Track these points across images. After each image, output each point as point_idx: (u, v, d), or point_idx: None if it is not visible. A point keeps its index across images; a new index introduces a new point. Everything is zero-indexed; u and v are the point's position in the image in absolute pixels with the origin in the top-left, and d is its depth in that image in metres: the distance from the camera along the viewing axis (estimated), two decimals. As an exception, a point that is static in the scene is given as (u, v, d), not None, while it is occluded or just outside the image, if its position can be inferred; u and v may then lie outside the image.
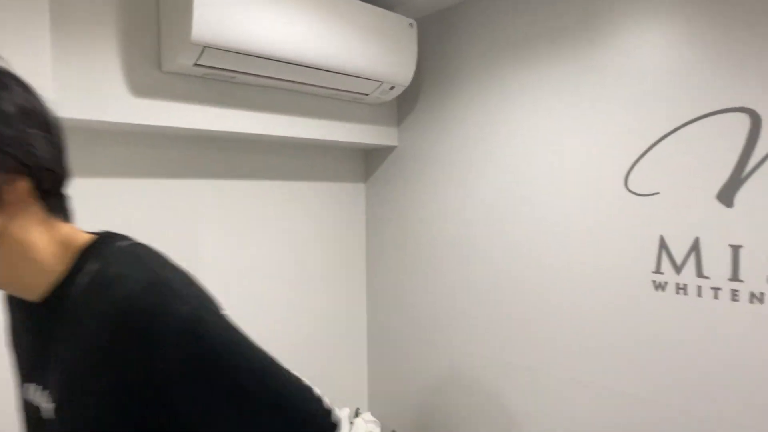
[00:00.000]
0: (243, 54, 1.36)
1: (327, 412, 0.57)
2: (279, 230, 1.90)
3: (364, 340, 2.17)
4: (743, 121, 1.19)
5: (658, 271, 1.34)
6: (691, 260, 1.28)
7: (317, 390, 0.59)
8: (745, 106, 1.18)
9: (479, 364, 1.76)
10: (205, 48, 1.31)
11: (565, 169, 1.52)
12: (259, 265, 1.84)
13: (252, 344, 0.55)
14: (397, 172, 2.03)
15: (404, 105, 2.00)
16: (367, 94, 1.76)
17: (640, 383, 1.37)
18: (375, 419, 1.81)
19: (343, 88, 1.67)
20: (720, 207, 1.23)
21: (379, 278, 2.12)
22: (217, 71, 1.43)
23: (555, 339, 1.55)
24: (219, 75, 1.47)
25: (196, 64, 1.38)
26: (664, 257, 1.32)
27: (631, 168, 1.38)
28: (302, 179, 1.97)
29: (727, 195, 1.22)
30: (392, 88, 1.75)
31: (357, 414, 1.84)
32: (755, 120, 1.17)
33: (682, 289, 1.30)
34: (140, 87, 1.37)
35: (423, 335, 1.94)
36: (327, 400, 0.59)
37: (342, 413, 1.81)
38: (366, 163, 2.15)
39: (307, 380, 0.59)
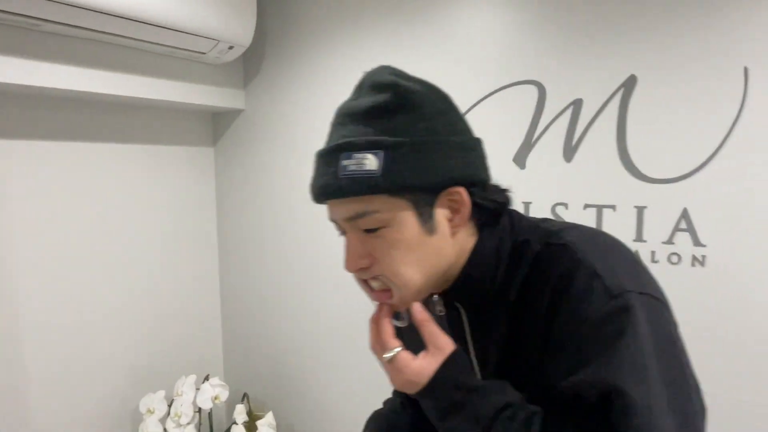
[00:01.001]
0: (40, -2, 1.23)
1: None
2: (119, 197, 1.77)
3: (218, 306, 2.15)
4: (533, 93, 1.35)
5: (469, 226, 1.49)
6: (494, 216, 1.44)
7: None
8: (533, 78, 1.34)
9: (331, 326, 1.84)
10: (-10, -12, 1.16)
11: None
12: (96, 236, 1.72)
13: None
14: (246, 136, 1.99)
15: (251, 67, 1.95)
16: (204, 53, 1.68)
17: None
18: (223, 383, 1.82)
19: (174, 45, 1.58)
20: (516, 168, 1.40)
21: (231, 244, 2.09)
22: (13, 16, 1.27)
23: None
24: (17, 21, 1.31)
25: (-18, 6, 1.21)
26: (474, 214, 1.48)
27: (449, 133, 1.50)
28: (144, 142, 1.86)
29: (521, 158, 1.39)
30: (231, 47, 1.70)
31: (207, 379, 1.83)
32: (542, 91, 1.34)
33: (487, 242, 1.46)
34: None
35: (277, 299, 1.97)
36: None
37: (188, 380, 1.79)
38: (214, 126, 2.08)
39: None
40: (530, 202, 1.38)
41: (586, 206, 1.30)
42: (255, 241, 2.01)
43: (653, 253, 1.22)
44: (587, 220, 1.30)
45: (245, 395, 1.96)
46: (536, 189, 1.37)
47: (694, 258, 1.18)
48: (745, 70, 1.10)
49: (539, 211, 1.36)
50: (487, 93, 1.42)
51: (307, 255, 1.86)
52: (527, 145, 1.37)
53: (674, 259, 1.20)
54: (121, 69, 1.59)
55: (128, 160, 1.81)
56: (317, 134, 1.78)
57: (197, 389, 1.79)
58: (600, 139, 1.27)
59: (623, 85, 1.23)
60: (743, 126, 1.11)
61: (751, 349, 1.13)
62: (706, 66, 1.14)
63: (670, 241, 1.20)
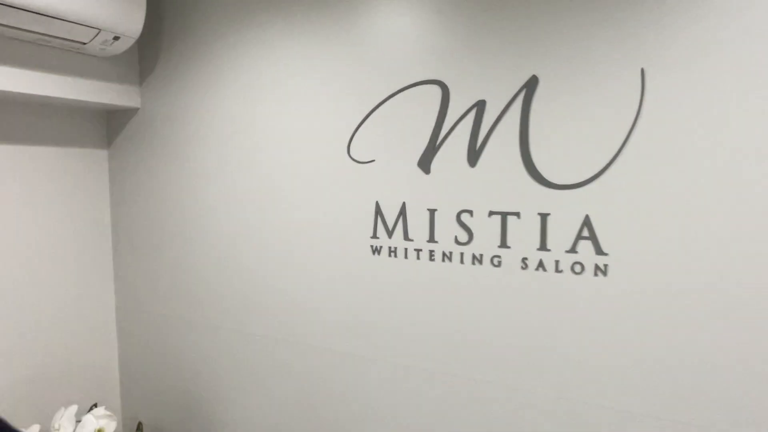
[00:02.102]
0: None
1: None
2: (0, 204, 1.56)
3: (113, 327, 1.94)
4: (436, 93, 1.27)
5: (374, 236, 1.39)
6: (400, 225, 1.35)
7: None
8: (437, 78, 1.27)
9: (235, 339, 1.68)
10: None
11: (302, 135, 1.49)
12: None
13: None
14: (143, 137, 1.81)
15: (147, 62, 1.78)
16: (84, 43, 1.50)
17: (359, 342, 1.43)
18: (110, 413, 1.62)
19: (46, 32, 1.40)
20: (420, 174, 1.31)
21: (128, 256, 1.90)
22: None
23: (297, 305, 1.54)
24: None
25: None
26: (380, 223, 1.38)
27: (353, 136, 1.40)
28: (29, 143, 1.64)
29: (425, 162, 1.30)
30: (117, 38, 1.53)
31: (91, 409, 1.63)
32: (445, 92, 1.26)
33: (393, 252, 1.37)
34: None
35: (176, 308, 1.79)
36: None
37: (68, 412, 1.58)
38: (108, 127, 1.89)
39: None
40: (435, 209, 1.29)
41: (491, 213, 1.23)
42: (154, 251, 1.83)
43: (557, 262, 1.16)
44: (492, 227, 1.23)
45: (139, 424, 1.77)
46: (441, 195, 1.28)
47: (597, 267, 1.13)
48: (642, 71, 1.06)
49: (445, 218, 1.28)
50: (390, 93, 1.33)
51: (210, 264, 1.70)
52: (432, 148, 1.29)
53: (577, 268, 1.14)
54: (-19, 58, 1.39)
55: (12, 163, 1.59)
56: (216, 134, 1.65)
57: (78, 422, 1.58)
58: (503, 142, 1.20)
59: (525, 85, 1.17)
60: (642, 129, 1.07)
61: (653, 360, 1.09)
62: (604, 67, 1.09)
63: (573, 250, 1.15)
